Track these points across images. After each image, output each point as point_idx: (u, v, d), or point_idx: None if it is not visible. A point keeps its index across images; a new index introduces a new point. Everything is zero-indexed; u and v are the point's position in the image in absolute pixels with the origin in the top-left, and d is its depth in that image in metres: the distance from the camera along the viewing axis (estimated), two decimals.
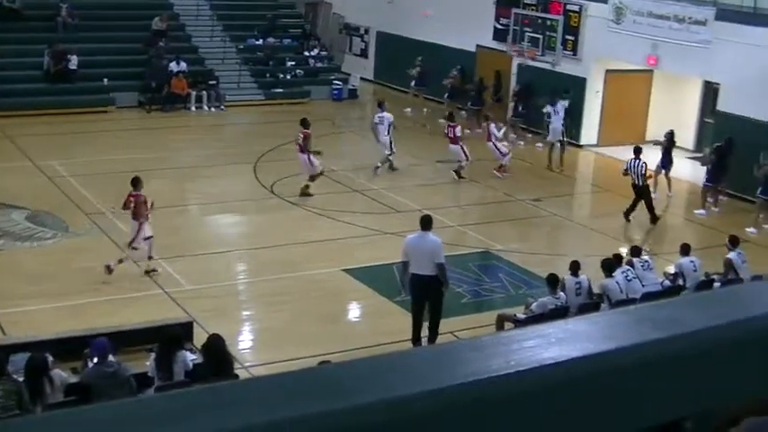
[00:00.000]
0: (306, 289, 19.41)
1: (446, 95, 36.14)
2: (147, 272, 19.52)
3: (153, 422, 0.84)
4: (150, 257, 19.61)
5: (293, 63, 40.24)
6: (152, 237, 19.55)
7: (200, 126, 35.43)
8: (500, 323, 16.57)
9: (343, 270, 20.37)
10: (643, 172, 24.87)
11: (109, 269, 19.03)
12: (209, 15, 40.33)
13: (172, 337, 13.36)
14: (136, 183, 19.59)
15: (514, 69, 35.06)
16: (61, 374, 12.56)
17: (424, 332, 16.68)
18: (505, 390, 0.96)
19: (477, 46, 36.94)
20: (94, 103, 34.41)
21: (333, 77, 40.35)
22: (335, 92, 39.42)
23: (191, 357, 13.37)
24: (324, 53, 42.07)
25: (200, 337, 15.02)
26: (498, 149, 28.64)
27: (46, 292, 18.32)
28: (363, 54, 43.87)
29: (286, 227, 23.14)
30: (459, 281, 19.95)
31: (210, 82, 36.74)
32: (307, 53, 41.31)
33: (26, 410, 11.51)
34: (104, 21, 38.29)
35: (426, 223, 16.78)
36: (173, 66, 35.95)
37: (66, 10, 36.96)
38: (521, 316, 16.41)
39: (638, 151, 25.10)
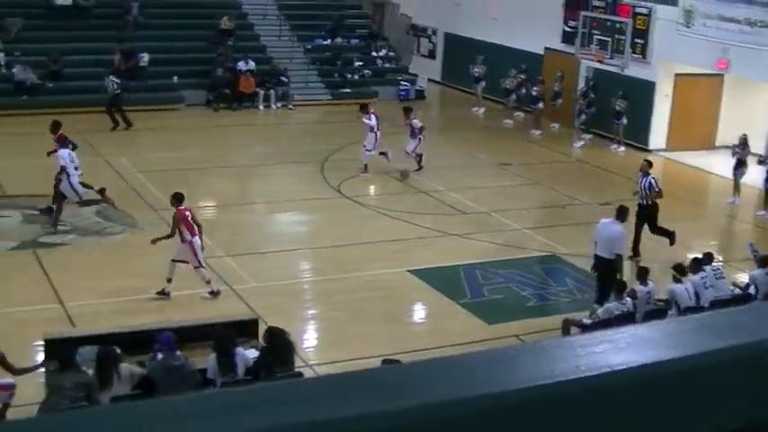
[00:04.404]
0: (370, 289, 19.39)
1: (512, 97, 36.17)
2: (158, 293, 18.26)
3: (208, 416, 0.84)
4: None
5: (361, 63, 40.43)
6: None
7: (267, 125, 35.73)
8: (566, 328, 16.47)
9: (409, 271, 20.29)
10: (656, 189, 22.28)
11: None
12: (276, 15, 40.61)
13: (224, 336, 13.25)
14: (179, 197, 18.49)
15: (583, 72, 34.84)
16: (132, 368, 12.64)
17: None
18: (571, 394, 0.95)
19: (546, 48, 36.77)
20: (164, 100, 34.81)
21: (400, 78, 40.38)
22: (402, 92, 39.41)
23: (252, 355, 13.38)
24: (391, 54, 42.14)
25: None
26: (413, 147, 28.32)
27: (113, 286, 18.50)
28: (431, 55, 43.90)
29: (351, 226, 23.17)
30: (523, 284, 19.90)
31: (282, 78, 36.98)
32: (374, 53, 41.42)
33: (95, 402, 11.58)
34: (173, 19, 38.79)
35: (620, 213, 18.26)
36: (241, 65, 36.27)
37: (137, 9, 37.42)
38: (587, 321, 16.29)
39: (649, 165, 22.69)
